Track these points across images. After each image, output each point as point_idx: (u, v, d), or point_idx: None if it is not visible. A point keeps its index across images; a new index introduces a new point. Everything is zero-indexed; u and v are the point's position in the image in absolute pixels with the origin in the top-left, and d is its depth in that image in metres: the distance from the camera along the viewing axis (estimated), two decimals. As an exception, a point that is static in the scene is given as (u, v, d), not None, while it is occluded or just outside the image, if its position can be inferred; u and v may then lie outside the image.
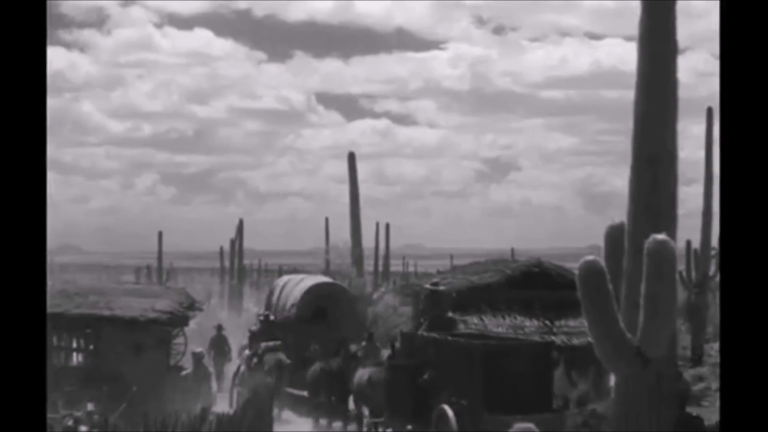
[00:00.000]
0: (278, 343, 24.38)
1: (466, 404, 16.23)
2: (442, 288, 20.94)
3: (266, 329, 25.55)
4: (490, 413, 15.79)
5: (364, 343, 23.60)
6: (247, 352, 25.19)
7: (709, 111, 30.96)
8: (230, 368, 27.03)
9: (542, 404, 16.26)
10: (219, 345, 28.93)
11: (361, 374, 20.62)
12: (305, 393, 24.01)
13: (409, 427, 18.02)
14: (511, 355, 16.82)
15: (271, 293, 28.73)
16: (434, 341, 18.11)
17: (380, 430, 19.59)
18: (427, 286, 21.29)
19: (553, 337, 22.77)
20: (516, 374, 16.33)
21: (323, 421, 23.33)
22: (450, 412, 16.32)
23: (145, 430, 16.81)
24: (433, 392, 17.22)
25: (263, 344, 24.32)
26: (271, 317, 26.47)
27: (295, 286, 27.32)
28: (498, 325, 23.24)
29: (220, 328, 29.55)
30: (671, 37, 13.51)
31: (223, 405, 22.17)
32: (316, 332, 25.48)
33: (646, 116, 13.53)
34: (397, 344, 19.66)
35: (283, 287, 27.93)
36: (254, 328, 26.16)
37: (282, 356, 23.77)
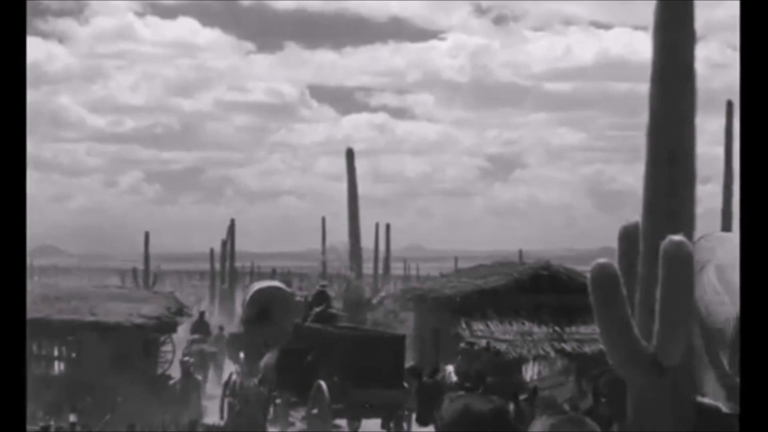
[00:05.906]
0: (203, 336, 29.68)
1: (337, 380, 21.25)
2: (326, 290, 27.47)
3: (198, 324, 30.69)
4: (355, 387, 21.14)
5: None
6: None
7: (729, 104, 30.99)
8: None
9: (395, 382, 21.47)
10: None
11: (268, 359, 24.19)
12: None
13: (294, 399, 22.90)
14: (372, 344, 22.25)
15: (244, 297, 33.59)
16: (317, 331, 23.66)
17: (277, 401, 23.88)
18: (317, 286, 28.23)
19: (563, 345, 22.78)
20: (375, 358, 21.53)
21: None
22: (324, 386, 21.24)
23: (131, 442, 16.83)
24: (314, 371, 22.08)
25: (189, 337, 29.19)
26: (207, 314, 33.02)
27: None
28: (505, 331, 23.23)
29: None
30: (689, 25, 13.45)
31: (213, 416, 22.20)
32: (261, 329, 29.20)
33: (662, 110, 13.46)
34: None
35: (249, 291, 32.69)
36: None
37: (205, 346, 28.86)
